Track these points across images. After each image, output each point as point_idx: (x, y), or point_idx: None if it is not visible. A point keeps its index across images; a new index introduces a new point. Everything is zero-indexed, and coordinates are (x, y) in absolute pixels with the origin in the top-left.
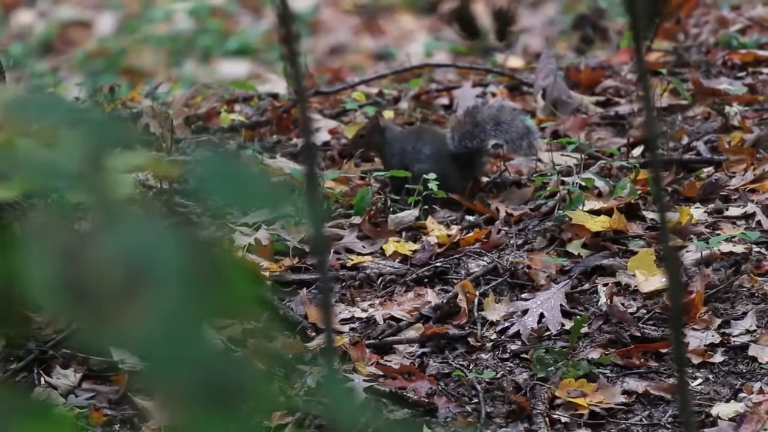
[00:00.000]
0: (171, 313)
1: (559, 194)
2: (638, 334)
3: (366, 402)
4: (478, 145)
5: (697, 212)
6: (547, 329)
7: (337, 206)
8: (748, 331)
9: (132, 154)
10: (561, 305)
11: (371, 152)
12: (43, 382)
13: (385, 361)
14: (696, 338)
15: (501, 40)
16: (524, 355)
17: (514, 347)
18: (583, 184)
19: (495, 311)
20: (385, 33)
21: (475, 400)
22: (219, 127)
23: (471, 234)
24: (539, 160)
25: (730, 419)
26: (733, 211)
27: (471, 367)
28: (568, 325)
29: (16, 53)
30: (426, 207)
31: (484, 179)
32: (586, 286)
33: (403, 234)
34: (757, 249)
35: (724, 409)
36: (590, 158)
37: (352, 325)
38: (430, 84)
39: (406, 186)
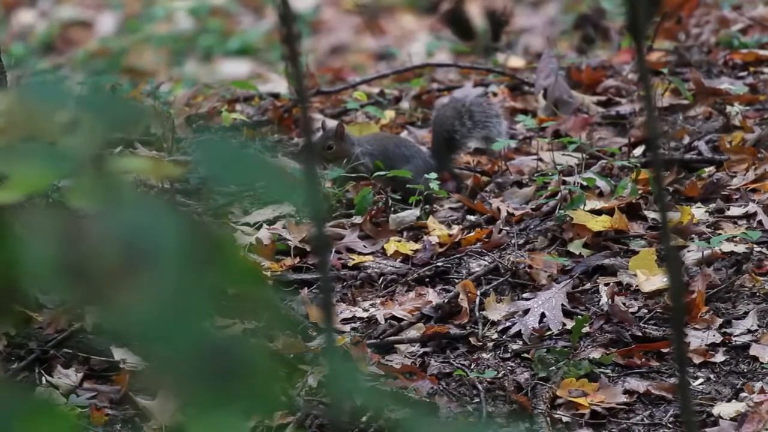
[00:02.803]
0: (171, 292)
1: (560, 194)
2: (639, 334)
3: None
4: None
5: (699, 212)
6: (549, 329)
7: (338, 206)
8: (749, 331)
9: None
10: (562, 305)
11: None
12: (44, 381)
13: (387, 360)
14: (697, 338)
15: (495, 41)
16: (525, 355)
17: (515, 347)
18: (585, 183)
19: (496, 311)
20: (386, 33)
21: (477, 399)
22: (220, 127)
23: (472, 234)
24: (540, 159)
25: (732, 419)
26: (735, 210)
27: (472, 367)
28: (570, 324)
29: (17, 53)
30: (427, 207)
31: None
32: (588, 285)
33: (405, 234)
34: (759, 248)
35: (725, 409)
36: (591, 158)
37: (353, 325)
38: (431, 84)
39: (407, 186)
